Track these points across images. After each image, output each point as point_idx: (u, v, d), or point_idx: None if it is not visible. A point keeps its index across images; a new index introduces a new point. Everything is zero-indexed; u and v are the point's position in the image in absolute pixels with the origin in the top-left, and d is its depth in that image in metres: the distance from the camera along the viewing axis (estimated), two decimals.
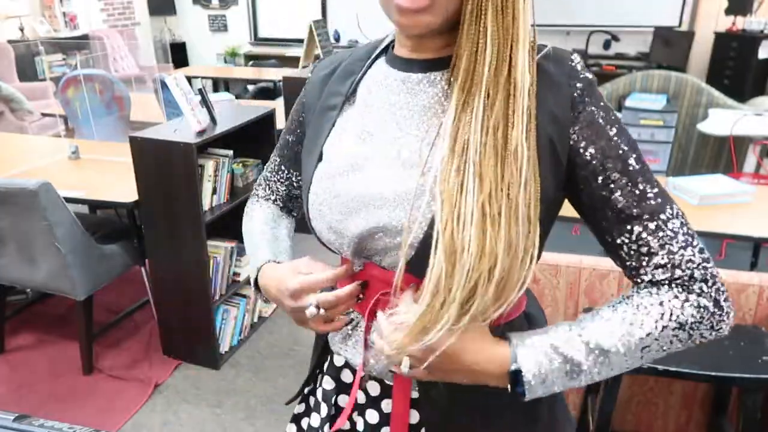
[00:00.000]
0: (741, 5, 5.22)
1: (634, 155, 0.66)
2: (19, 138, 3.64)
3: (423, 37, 0.68)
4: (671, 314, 0.64)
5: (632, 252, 0.66)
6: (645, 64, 5.87)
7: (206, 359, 2.45)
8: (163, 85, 2.76)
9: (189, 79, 3.61)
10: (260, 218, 0.96)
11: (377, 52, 0.79)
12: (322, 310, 0.72)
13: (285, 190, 0.96)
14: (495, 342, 0.66)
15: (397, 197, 0.68)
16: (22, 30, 6.06)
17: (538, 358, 0.63)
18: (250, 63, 7.19)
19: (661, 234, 0.65)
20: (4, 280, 2.35)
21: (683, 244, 0.65)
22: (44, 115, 4.69)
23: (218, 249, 2.35)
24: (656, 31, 5.78)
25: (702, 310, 0.64)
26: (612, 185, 0.66)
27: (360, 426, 0.81)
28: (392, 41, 0.77)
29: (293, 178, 0.94)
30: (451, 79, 0.66)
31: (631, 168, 0.66)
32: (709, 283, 0.64)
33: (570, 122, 0.66)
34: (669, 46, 5.65)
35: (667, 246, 0.65)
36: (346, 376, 0.83)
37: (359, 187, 0.71)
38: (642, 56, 6.08)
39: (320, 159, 0.77)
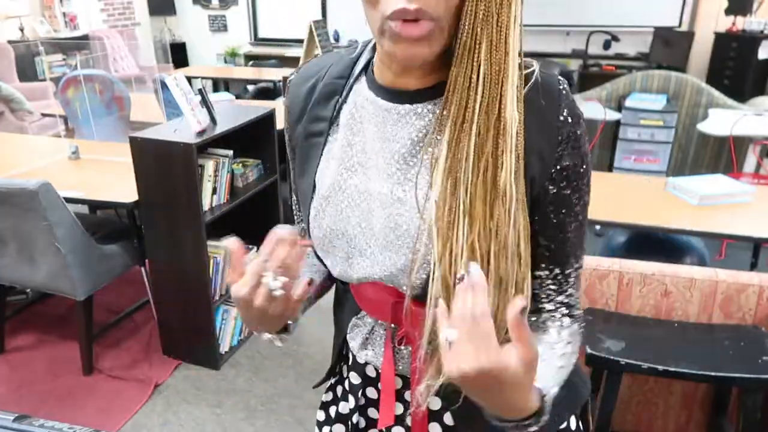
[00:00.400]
0: (741, 5, 5.22)
1: (583, 205, 0.72)
2: (19, 138, 3.65)
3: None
4: (568, 352, 0.74)
5: (543, 285, 0.75)
6: (645, 64, 5.87)
7: (206, 359, 2.45)
8: (163, 85, 2.76)
9: (189, 79, 3.61)
10: None
11: (357, 71, 0.76)
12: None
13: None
14: (533, 395, 0.62)
15: (397, 239, 0.71)
16: (22, 30, 6.06)
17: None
18: (250, 63, 7.19)
19: (570, 279, 0.75)
20: (4, 280, 2.35)
21: (577, 288, 0.76)
22: (44, 115, 4.69)
23: (218, 249, 2.35)
24: (656, 31, 5.78)
25: (580, 334, 0.77)
26: (554, 228, 0.71)
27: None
28: (370, 58, 0.75)
29: None
30: (443, 113, 0.65)
31: (576, 221, 0.71)
32: (580, 312, 0.78)
33: (552, 164, 0.67)
34: (669, 47, 5.65)
35: (569, 289, 0.75)
36: (371, 371, 0.86)
37: (358, 230, 0.74)
38: (642, 56, 6.08)
39: (314, 189, 0.78)
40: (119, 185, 2.41)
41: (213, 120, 2.33)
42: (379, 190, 0.72)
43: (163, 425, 2.14)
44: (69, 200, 2.21)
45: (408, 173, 0.70)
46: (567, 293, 0.75)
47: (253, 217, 2.65)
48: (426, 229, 0.66)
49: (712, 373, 1.39)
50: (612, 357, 1.43)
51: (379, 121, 0.72)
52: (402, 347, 0.79)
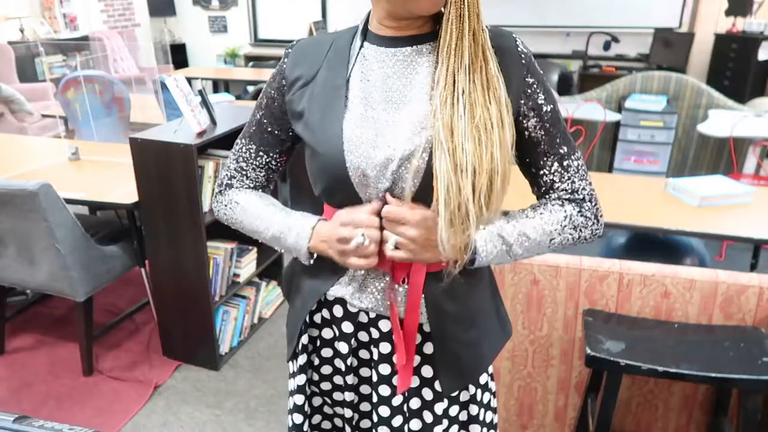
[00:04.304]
0: (741, 6, 5.22)
1: (558, 115, 0.93)
2: (20, 139, 3.65)
3: (410, 18, 0.86)
4: (570, 217, 0.95)
5: (547, 179, 0.95)
6: (645, 65, 5.87)
7: (206, 360, 2.45)
8: (163, 86, 2.76)
9: (189, 80, 3.60)
10: (254, 198, 1.06)
11: (360, 37, 0.93)
12: (367, 240, 0.88)
13: (264, 175, 1.07)
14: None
15: (415, 140, 0.87)
16: (22, 31, 6.06)
17: (488, 245, 0.91)
18: (250, 64, 7.19)
19: (570, 169, 0.94)
20: (4, 282, 2.35)
21: (580, 177, 0.95)
22: (44, 116, 4.69)
23: (218, 250, 2.36)
24: (656, 32, 5.78)
25: (587, 219, 0.96)
26: (542, 132, 0.92)
27: (375, 356, 1.02)
28: (365, 25, 0.93)
29: (272, 162, 1.05)
30: (440, 46, 0.84)
31: (556, 123, 0.93)
32: (592, 203, 0.96)
33: (522, 89, 0.89)
34: (669, 48, 5.66)
35: (571, 178, 0.95)
36: (363, 317, 1.00)
37: (383, 149, 0.88)
38: (642, 57, 6.08)
39: (341, 132, 0.90)
40: (119, 186, 2.41)
41: (213, 121, 2.34)
42: (395, 117, 0.89)
43: (163, 426, 2.14)
44: (69, 201, 2.21)
45: (420, 99, 0.88)
46: (570, 181, 0.94)
47: None
48: (429, 125, 0.85)
49: (712, 375, 1.39)
50: (612, 358, 1.43)
51: (388, 65, 0.90)
52: (399, 287, 0.95)
